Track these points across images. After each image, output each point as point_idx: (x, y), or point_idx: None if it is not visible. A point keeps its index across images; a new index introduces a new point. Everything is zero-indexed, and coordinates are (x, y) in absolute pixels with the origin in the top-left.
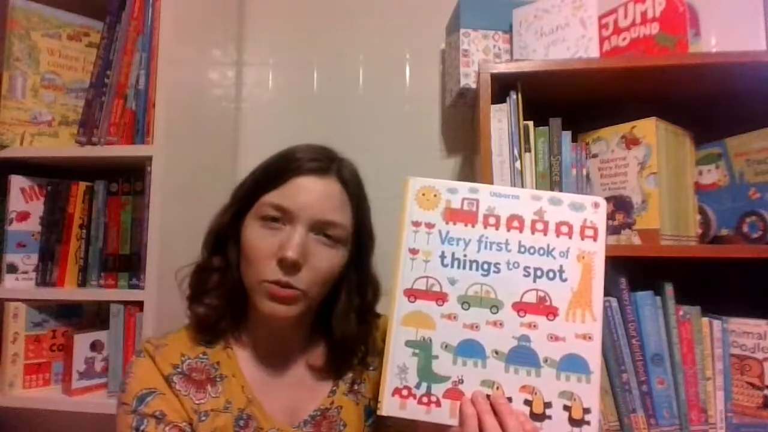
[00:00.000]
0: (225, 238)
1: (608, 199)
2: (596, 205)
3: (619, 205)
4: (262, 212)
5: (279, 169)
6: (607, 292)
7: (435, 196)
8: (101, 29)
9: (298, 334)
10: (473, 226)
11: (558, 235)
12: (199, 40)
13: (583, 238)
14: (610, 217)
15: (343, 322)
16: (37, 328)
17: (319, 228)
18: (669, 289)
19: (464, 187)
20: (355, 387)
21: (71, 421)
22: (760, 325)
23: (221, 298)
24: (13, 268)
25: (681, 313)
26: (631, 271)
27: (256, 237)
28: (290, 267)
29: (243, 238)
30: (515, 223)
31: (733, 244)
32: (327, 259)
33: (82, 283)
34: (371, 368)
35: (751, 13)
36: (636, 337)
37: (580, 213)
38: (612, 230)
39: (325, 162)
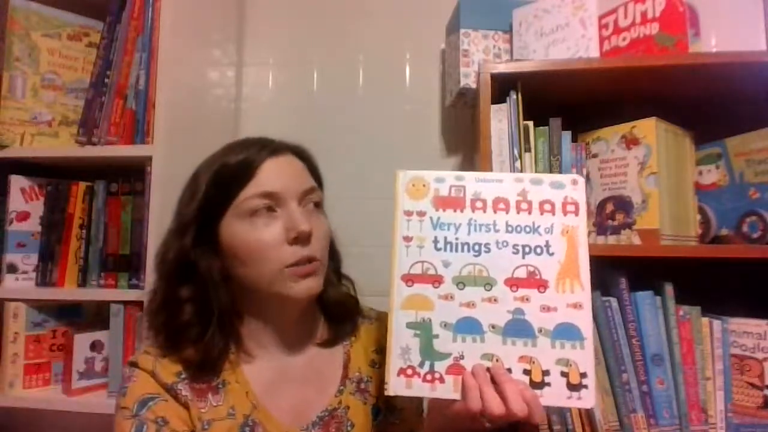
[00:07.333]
0: (189, 264)
1: (608, 199)
2: (575, 182)
3: (619, 205)
4: (248, 207)
5: (241, 165)
6: (607, 292)
7: (424, 186)
8: (101, 29)
9: (307, 315)
10: (462, 211)
11: (542, 213)
12: (199, 40)
13: (565, 214)
14: (610, 216)
15: (329, 284)
16: (37, 328)
17: (305, 198)
18: (669, 289)
19: (451, 175)
20: (362, 386)
21: (71, 421)
22: (760, 325)
23: (210, 325)
24: (13, 268)
25: (681, 313)
26: (631, 271)
27: (255, 232)
28: (306, 239)
29: (235, 242)
30: (501, 205)
31: (733, 244)
32: (322, 224)
33: (82, 283)
34: (377, 367)
35: (751, 13)
36: (636, 337)
37: (560, 191)
38: (612, 230)
39: (275, 143)
